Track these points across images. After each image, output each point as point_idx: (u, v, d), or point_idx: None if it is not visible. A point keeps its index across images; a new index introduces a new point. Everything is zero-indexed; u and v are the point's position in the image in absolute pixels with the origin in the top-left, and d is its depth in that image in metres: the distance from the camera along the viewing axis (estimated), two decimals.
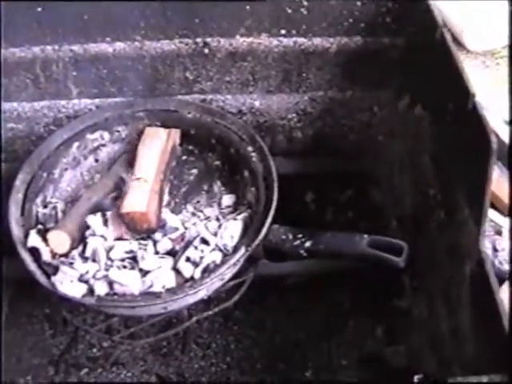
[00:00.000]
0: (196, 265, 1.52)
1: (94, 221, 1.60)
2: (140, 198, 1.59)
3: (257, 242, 1.53)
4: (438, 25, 1.51)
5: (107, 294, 1.53)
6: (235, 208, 1.71)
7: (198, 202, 1.74)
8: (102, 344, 1.89)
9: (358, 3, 1.72)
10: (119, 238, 1.61)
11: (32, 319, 1.92)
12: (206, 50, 1.79)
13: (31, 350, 1.88)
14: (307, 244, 1.59)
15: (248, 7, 1.72)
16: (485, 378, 1.04)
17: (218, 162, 1.83)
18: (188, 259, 1.53)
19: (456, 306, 1.41)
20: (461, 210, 1.40)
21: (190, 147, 1.86)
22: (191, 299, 1.56)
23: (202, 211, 1.71)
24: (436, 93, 1.55)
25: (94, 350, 1.88)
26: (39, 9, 1.71)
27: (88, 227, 1.60)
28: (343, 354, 1.77)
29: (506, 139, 1.90)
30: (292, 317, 1.84)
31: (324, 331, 1.81)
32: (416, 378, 1.21)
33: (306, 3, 1.72)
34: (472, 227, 1.34)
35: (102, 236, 1.59)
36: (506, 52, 2.67)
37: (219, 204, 1.72)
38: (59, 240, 1.56)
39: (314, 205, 1.99)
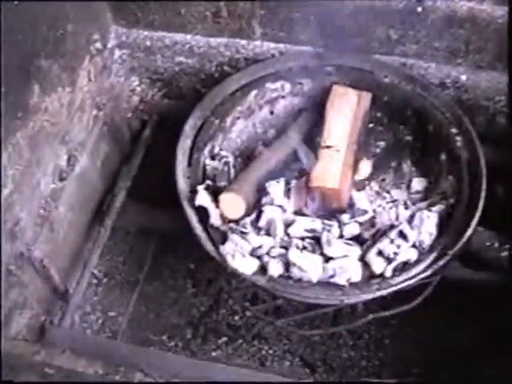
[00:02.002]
0: (389, 261, 1.30)
1: (276, 188, 1.40)
2: (332, 171, 1.38)
3: (459, 245, 1.30)
4: None
5: (281, 276, 1.32)
6: (426, 195, 1.48)
7: (384, 180, 1.51)
8: (246, 313, 1.73)
9: None
10: (299, 213, 1.38)
11: (175, 274, 1.79)
12: (419, 8, 1.55)
13: (171, 308, 1.76)
14: None
15: None
16: None
17: (409, 138, 1.60)
18: (380, 253, 1.30)
19: None
20: None
21: (379, 114, 1.63)
22: (372, 295, 1.33)
23: (388, 192, 1.49)
24: None
25: (236, 318, 1.75)
26: None
27: (266, 194, 1.38)
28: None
29: None
30: (464, 324, 1.62)
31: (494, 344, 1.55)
32: None
33: None
34: None
35: (281, 207, 1.37)
36: None
37: (408, 187, 1.50)
38: (233, 204, 1.38)
39: (506, 200, 1.71)
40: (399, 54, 1.66)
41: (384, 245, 1.33)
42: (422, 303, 1.46)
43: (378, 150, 1.61)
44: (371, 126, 1.65)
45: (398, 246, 1.33)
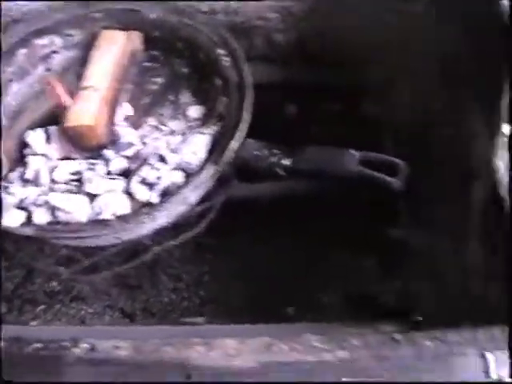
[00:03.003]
0: (152, 187, 1.26)
1: (34, 137, 1.35)
2: (88, 109, 1.35)
3: (225, 158, 1.28)
4: None
5: (49, 223, 1.27)
6: (204, 120, 1.45)
7: (162, 114, 1.50)
8: (61, 277, 1.65)
9: None
10: (66, 158, 1.34)
11: None
12: None
13: None
14: (286, 161, 1.35)
15: None
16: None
17: (186, 69, 1.57)
18: (143, 181, 1.26)
19: (463, 237, 1.20)
20: (471, 121, 1.20)
21: (155, 52, 1.60)
22: (149, 227, 1.30)
23: (165, 124, 1.45)
24: None
25: (53, 284, 1.69)
26: None
27: (27, 145, 1.34)
28: (328, 290, 1.56)
29: None
30: (270, 246, 1.61)
31: (306, 263, 1.58)
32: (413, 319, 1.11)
33: None
34: (484, 142, 1.12)
35: (44, 155, 1.33)
36: None
37: (185, 116, 1.47)
38: None
39: (295, 118, 1.70)
40: None
41: (145, 172, 1.30)
42: (233, 233, 1.54)
43: (155, 87, 1.56)
44: (148, 64, 1.60)
45: (159, 170, 1.28)
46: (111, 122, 1.40)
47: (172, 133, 1.45)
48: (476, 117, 1.19)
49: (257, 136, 1.39)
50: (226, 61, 1.48)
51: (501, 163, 1.16)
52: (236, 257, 1.63)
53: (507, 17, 1.09)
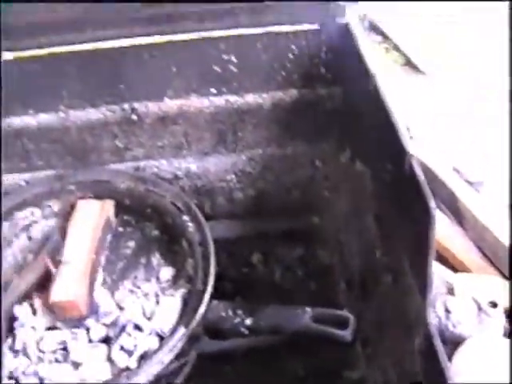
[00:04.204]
0: (130, 353, 1.41)
1: (22, 311, 1.50)
2: (68, 284, 1.50)
3: (194, 322, 1.43)
4: (371, 76, 1.41)
5: None
6: (174, 281, 1.61)
7: (136, 277, 1.65)
8: None
9: (290, 55, 1.62)
10: (51, 328, 1.49)
11: None
12: (135, 116, 1.71)
13: None
14: (248, 321, 1.50)
15: (174, 68, 1.62)
16: None
17: (156, 232, 1.74)
18: (122, 348, 1.41)
19: (410, 378, 1.32)
20: (406, 276, 1.32)
21: (126, 217, 1.76)
22: None
23: (139, 287, 1.61)
24: (374, 148, 1.47)
25: None
26: None
27: (15, 318, 1.49)
28: None
29: (456, 183, 1.80)
30: None
31: None
32: None
33: (234, 60, 1.62)
34: (418, 296, 1.24)
35: (32, 327, 1.48)
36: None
37: (157, 278, 1.63)
38: None
39: (261, 266, 1.88)
40: (130, 160, 1.79)
41: (124, 340, 1.44)
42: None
43: (128, 251, 1.70)
44: (121, 229, 1.75)
45: (136, 338, 1.43)
46: (91, 292, 1.53)
47: (146, 295, 1.59)
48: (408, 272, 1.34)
49: (228, 286, 1.53)
50: (189, 225, 1.63)
51: (437, 305, 1.33)
52: None
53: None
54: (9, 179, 1.81)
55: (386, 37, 2.33)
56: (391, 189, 1.38)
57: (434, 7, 2.67)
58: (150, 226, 1.76)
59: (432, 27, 2.62)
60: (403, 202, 1.31)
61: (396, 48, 2.05)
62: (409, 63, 2.03)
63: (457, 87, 2.69)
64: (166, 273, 1.64)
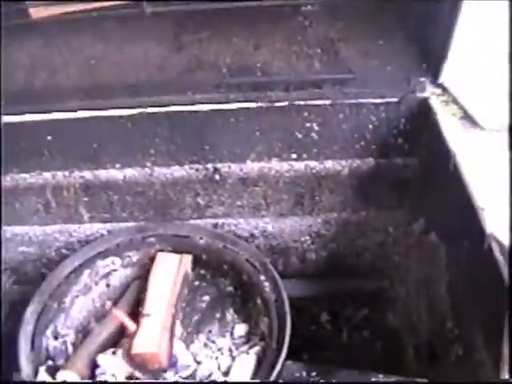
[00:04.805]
0: None
1: (104, 359, 1.57)
2: (150, 337, 1.56)
3: (270, 380, 1.48)
4: (452, 155, 1.47)
5: None
6: (248, 338, 1.68)
7: (210, 331, 1.71)
8: None
9: (370, 126, 1.68)
10: (131, 376, 1.56)
11: None
12: (217, 176, 1.78)
13: None
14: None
15: (258, 133, 1.69)
16: None
17: (230, 288, 1.80)
18: None
19: None
20: (478, 350, 1.35)
21: (202, 272, 1.85)
22: None
23: (214, 342, 1.68)
24: (451, 224, 1.51)
25: None
26: (49, 137, 1.67)
27: (98, 366, 1.56)
28: None
29: None
30: None
31: None
32: None
33: (316, 128, 1.69)
34: (490, 370, 1.27)
35: (113, 375, 1.54)
36: None
37: (232, 334, 1.69)
38: (69, 380, 1.52)
39: (329, 325, 1.93)
40: (210, 216, 1.87)
41: None
42: None
43: (203, 305, 1.77)
44: (197, 283, 1.82)
45: None
46: (171, 345, 1.60)
47: (220, 350, 1.65)
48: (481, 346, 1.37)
49: (297, 345, 1.58)
50: (265, 285, 1.69)
51: None
52: None
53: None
54: (92, 228, 1.87)
55: (444, 89, 2.37)
56: (467, 264, 1.43)
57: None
58: (224, 282, 1.82)
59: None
60: (479, 279, 1.36)
61: (455, 101, 2.07)
62: (467, 117, 2.06)
63: None
64: (240, 329, 1.69)
